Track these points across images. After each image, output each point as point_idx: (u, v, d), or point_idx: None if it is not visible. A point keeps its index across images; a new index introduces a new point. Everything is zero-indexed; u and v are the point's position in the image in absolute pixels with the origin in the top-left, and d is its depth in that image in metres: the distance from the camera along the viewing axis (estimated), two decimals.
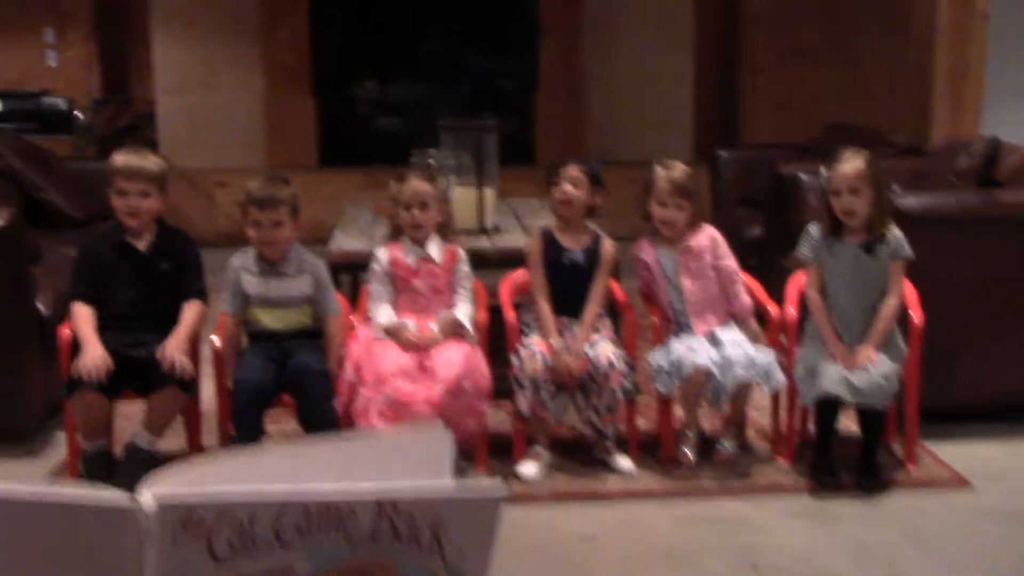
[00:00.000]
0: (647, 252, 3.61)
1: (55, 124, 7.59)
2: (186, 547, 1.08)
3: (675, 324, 3.59)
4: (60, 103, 7.67)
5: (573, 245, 3.61)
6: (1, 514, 1.09)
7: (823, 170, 3.48)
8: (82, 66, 8.32)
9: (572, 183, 3.57)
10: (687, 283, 3.56)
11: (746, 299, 3.60)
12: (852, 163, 3.40)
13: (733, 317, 3.59)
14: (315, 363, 3.33)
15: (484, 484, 1.16)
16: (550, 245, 3.61)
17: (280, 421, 3.65)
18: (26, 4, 8.27)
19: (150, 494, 1.08)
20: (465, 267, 3.58)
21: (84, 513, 1.08)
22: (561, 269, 3.59)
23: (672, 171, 3.54)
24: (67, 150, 7.68)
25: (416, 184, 3.50)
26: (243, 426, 3.28)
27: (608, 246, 3.64)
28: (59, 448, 3.63)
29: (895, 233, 3.44)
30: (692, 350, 3.44)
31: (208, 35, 7.85)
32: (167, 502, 1.07)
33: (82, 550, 1.09)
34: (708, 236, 3.60)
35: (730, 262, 3.61)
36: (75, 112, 7.70)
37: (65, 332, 3.36)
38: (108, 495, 1.08)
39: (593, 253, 3.61)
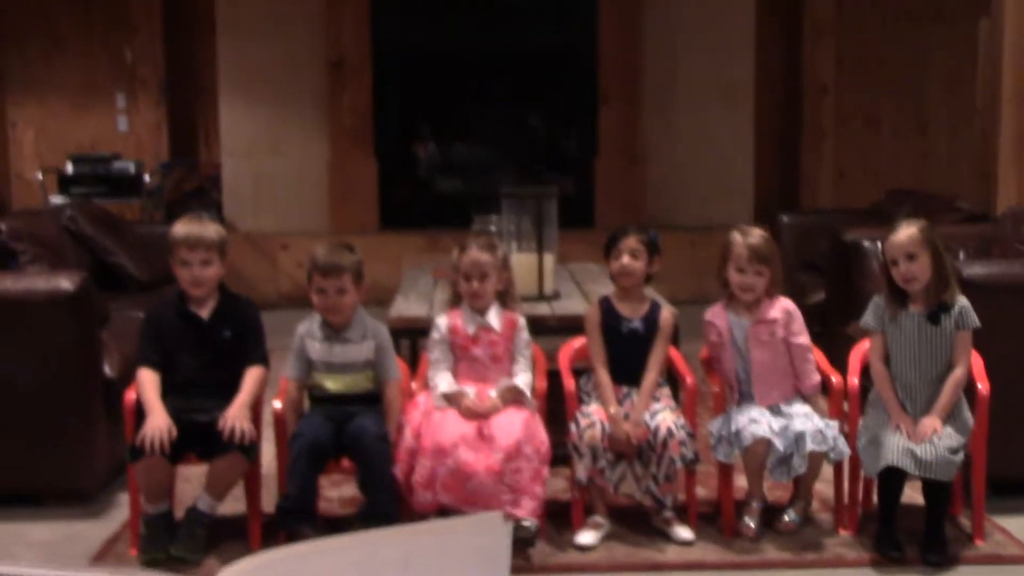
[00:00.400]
0: (720, 317, 3.59)
1: (124, 188, 7.76)
2: None
3: (737, 393, 3.56)
4: (129, 167, 7.84)
5: (632, 314, 3.61)
6: None
7: (878, 243, 3.45)
8: (151, 131, 8.52)
9: (631, 254, 3.58)
10: (757, 354, 3.53)
11: (816, 378, 3.56)
12: (906, 231, 3.37)
13: (801, 394, 3.55)
14: (374, 427, 3.34)
15: None
16: (609, 314, 3.62)
17: (340, 485, 3.66)
18: (99, 71, 8.51)
19: None
20: (525, 334, 3.59)
21: None
22: (620, 337, 3.59)
23: (749, 237, 3.53)
24: (136, 213, 7.86)
25: (476, 254, 3.53)
26: (296, 480, 3.30)
27: (667, 314, 3.63)
28: (122, 510, 3.67)
29: (961, 302, 3.39)
30: (753, 420, 3.41)
31: (273, 100, 8.02)
32: None
33: None
34: (783, 309, 3.57)
35: (804, 339, 3.57)
36: (144, 176, 7.87)
37: (131, 397, 3.41)
38: None
39: (652, 321, 3.60)
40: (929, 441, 3.26)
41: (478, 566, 1.20)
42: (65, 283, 3.75)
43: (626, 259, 3.58)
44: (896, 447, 3.26)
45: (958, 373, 3.37)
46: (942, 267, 3.38)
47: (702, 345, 3.76)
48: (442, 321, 3.58)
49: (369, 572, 1.14)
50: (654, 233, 3.66)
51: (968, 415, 3.41)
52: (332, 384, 3.48)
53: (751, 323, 3.54)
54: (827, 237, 5.27)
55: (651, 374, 3.55)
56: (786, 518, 3.55)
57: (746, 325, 3.54)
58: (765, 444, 3.39)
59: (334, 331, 3.49)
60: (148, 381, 3.39)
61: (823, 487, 3.71)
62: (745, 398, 3.55)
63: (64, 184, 7.69)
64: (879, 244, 4.72)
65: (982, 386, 3.42)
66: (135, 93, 8.49)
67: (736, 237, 3.56)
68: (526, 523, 3.34)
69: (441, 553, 1.22)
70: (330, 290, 3.44)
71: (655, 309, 3.64)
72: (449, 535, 1.26)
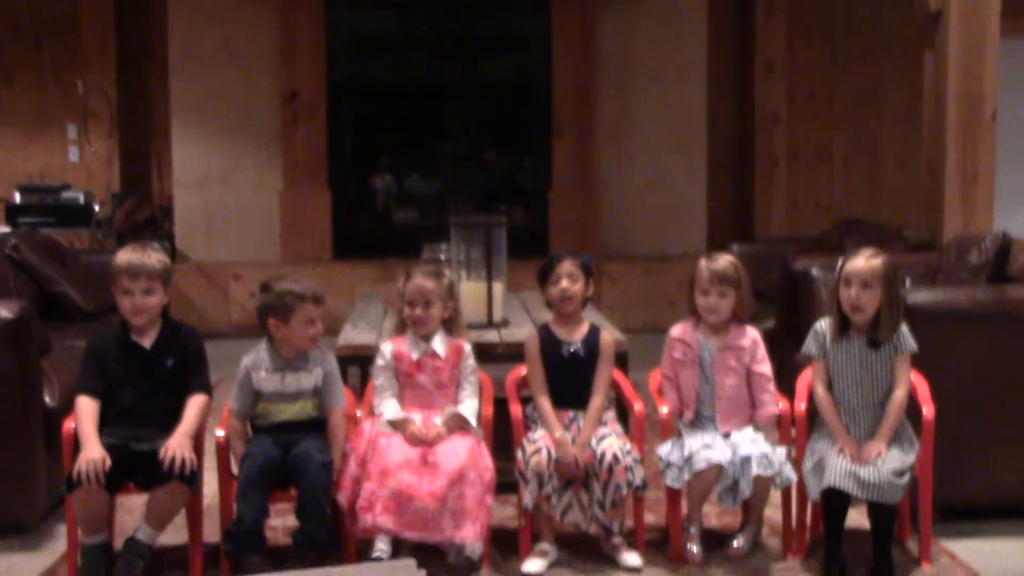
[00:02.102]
0: (689, 334, 3.59)
1: (74, 217, 7.67)
2: None
3: (693, 414, 3.55)
4: (79, 197, 7.76)
5: (571, 337, 3.61)
6: None
7: (840, 260, 3.47)
8: (103, 161, 8.44)
9: (569, 278, 3.59)
10: (722, 380, 3.53)
11: (774, 409, 3.56)
12: (869, 260, 3.38)
13: (757, 422, 3.55)
14: (318, 454, 3.31)
15: None
16: (548, 340, 3.62)
17: (285, 515, 3.62)
18: (51, 101, 8.43)
19: None
20: (470, 361, 3.57)
21: None
22: (562, 362, 3.58)
23: (714, 262, 3.56)
24: (85, 243, 7.77)
25: (420, 282, 3.52)
26: (247, 502, 3.25)
27: (607, 336, 3.64)
28: (60, 541, 3.60)
29: (900, 328, 3.41)
30: (707, 446, 3.41)
31: (225, 132, 8.00)
32: None
33: None
34: (751, 338, 3.59)
35: (766, 367, 3.58)
36: (94, 206, 7.80)
37: (68, 427, 3.35)
38: None
39: (592, 344, 3.60)
40: (873, 464, 3.27)
41: None
42: (5, 311, 3.69)
43: (565, 283, 3.58)
44: (838, 469, 3.27)
45: (898, 396, 3.38)
46: (892, 305, 3.38)
47: (651, 371, 3.76)
48: (387, 348, 3.56)
49: None
50: (588, 257, 3.68)
51: (913, 437, 3.42)
52: (280, 412, 3.45)
53: (719, 348, 3.54)
54: (777, 266, 5.30)
55: (596, 398, 3.55)
56: (735, 544, 3.55)
57: (713, 348, 3.55)
58: (717, 470, 3.39)
59: (286, 361, 3.46)
60: (85, 410, 3.33)
61: (772, 512, 3.71)
62: (701, 421, 3.54)
63: (12, 214, 7.60)
64: (828, 271, 4.78)
65: (927, 410, 3.44)
66: (86, 124, 8.41)
67: (702, 262, 3.59)
68: (468, 549, 3.32)
69: None
70: (317, 318, 3.43)
71: (594, 332, 3.64)
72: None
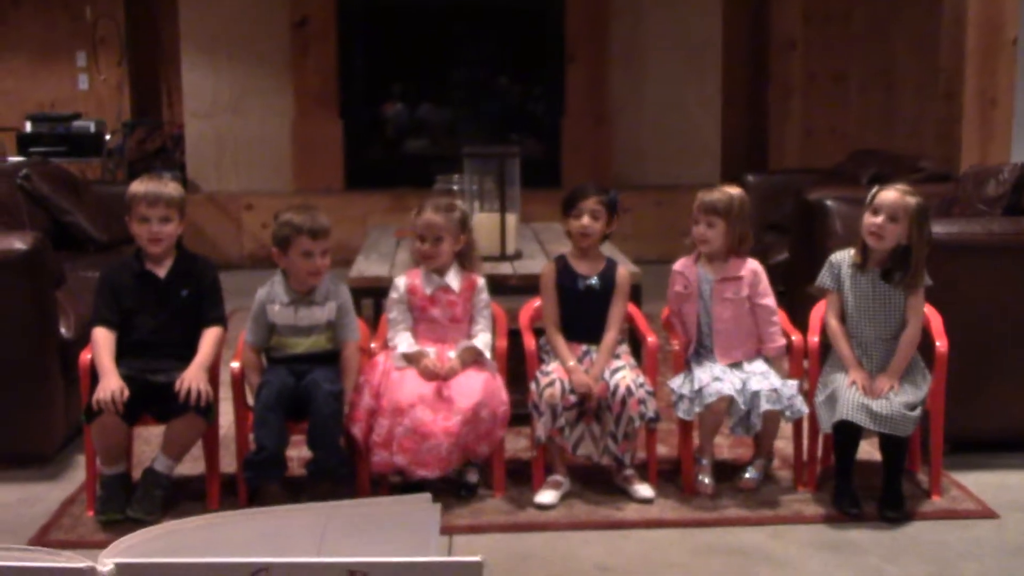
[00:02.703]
0: (689, 269, 3.59)
1: (85, 147, 7.65)
2: None
3: (698, 347, 3.57)
4: (90, 126, 7.73)
5: (588, 271, 3.60)
6: None
7: (875, 188, 3.45)
8: (113, 90, 8.40)
9: (591, 215, 3.56)
10: (720, 310, 3.53)
11: (781, 341, 3.56)
12: (903, 196, 3.35)
13: (765, 355, 3.56)
14: (327, 384, 3.32)
15: (462, 558, 1.08)
16: (565, 272, 3.60)
17: (300, 446, 3.65)
18: (59, 29, 8.37)
19: (110, 560, 1.05)
20: (484, 295, 3.57)
21: None
22: (577, 295, 3.57)
23: (708, 192, 3.54)
24: (96, 173, 7.76)
25: (430, 216, 3.51)
26: (266, 427, 3.27)
27: (623, 271, 3.63)
28: (79, 471, 3.64)
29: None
30: (716, 378, 3.42)
31: (236, 60, 7.93)
32: (125, 568, 1.04)
33: None
34: (750, 269, 3.57)
35: (769, 300, 3.57)
36: (105, 135, 7.77)
37: (85, 358, 3.37)
38: (70, 563, 1.05)
39: (608, 279, 3.59)
40: (885, 397, 3.28)
41: (401, 542, 1.16)
42: (18, 243, 3.70)
43: (586, 220, 3.56)
44: (851, 402, 3.28)
45: (911, 330, 3.38)
46: (919, 250, 3.35)
47: (665, 305, 3.76)
48: (400, 281, 3.56)
49: (282, 544, 1.10)
50: (614, 193, 3.64)
51: (925, 371, 3.43)
52: (294, 345, 3.46)
53: (716, 279, 3.54)
54: (792, 197, 5.27)
55: (610, 332, 3.55)
56: (746, 475, 3.57)
57: (712, 280, 3.55)
58: (727, 402, 3.40)
59: (299, 294, 3.46)
60: (102, 341, 3.35)
61: (783, 444, 3.73)
62: (704, 353, 3.55)
63: (23, 144, 7.58)
64: (842, 204, 4.75)
65: (940, 343, 3.44)
66: (96, 52, 8.36)
67: (699, 193, 3.57)
68: (467, 474, 3.50)
69: (361, 528, 1.18)
70: (317, 252, 3.41)
71: (611, 267, 3.63)
72: (372, 512, 1.22)
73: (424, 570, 1.06)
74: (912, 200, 3.36)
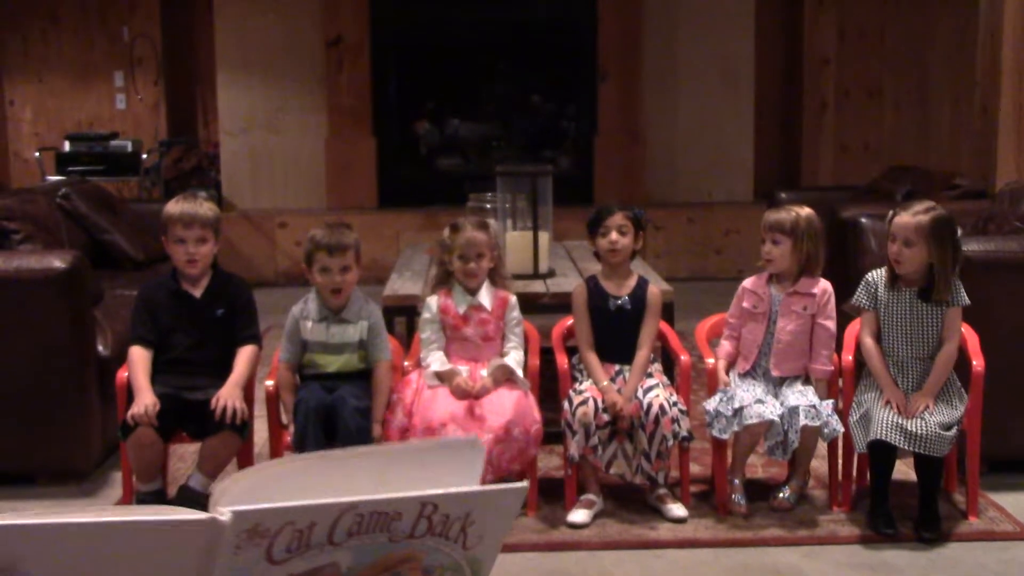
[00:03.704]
0: (761, 287, 3.58)
1: (122, 166, 7.74)
2: (247, 552, 1.15)
3: (748, 365, 3.55)
4: (127, 145, 7.82)
5: (619, 291, 3.60)
6: (93, 535, 1.14)
7: (891, 212, 3.43)
8: (149, 109, 8.50)
9: (619, 230, 3.56)
10: (784, 322, 3.52)
11: (830, 367, 3.54)
12: (915, 217, 3.33)
13: (811, 374, 3.54)
14: (353, 399, 3.33)
15: (509, 484, 1.32)
16: (596, 292, 3.60)
17: None
18: (97, 49, 8.48)
19: (226, 509, 1.14)
20: (516, 313, 3.58)
21: (166, 530, 1.15)
22: (608, 315, 3.57)
23: (775, 211, 3.56)
24: (133, 192, 7.85)
25: (471, 234, 3.52)
26: (307, 442, 3.28)
27: (655, 290, 3.62)
28: (115, 489, 3.67)
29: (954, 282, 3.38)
30: (759, 401, 3.40)
31: (271, 79, 7.99)
32: (241, 514, 1.14)
33: (159, 564, 1.16)
34: (822, 288, 3.56)
35: (831, 323, 3.55)
36: (141, 154, 7.85)
37: (122, 376, 3.41)
38: (193, 515, 1.15)
39: (639, 298, 3.59)
40: (920, 416, 3.26)
41: (449, 479, 1.28)
42: (58, 262, 3.74)
43: (614, 235, 3.56)
44: (885, 422, 3.26)
45: (948, 350, 3.35)
46: (943, 265, 3.31)
47: (698, 322, 3.75)
48: (432, 301, 3.57)
49: (357, 484, 1.22)
50: (640, 210, 3.65)
51: (962, 391, 3.40)
52: (326, 364, 3.48)
53: (785, 293, 3.53)
54: (826, 214, 5.24)
55: (642, 351, 3.54)
56: (781, 495, 3.55)
57: (780, 295, 3.54)
58: (766, 426, 3.39)
59: (332, 311, 3.48)
60: (138, 360, 3.38)
61: (818, 464, 3.71)
62: (755, 371, 3.54)
63: (61, 163, 7.67)
64: (877, 221, 4.72)
65: (977, 362, 3.41)
66: (133, 72, 8.46)
67: (767, 212, 3.59)
68: None
69: (419, 466, 1.30)
70: (335, 268, 3.42)
71: (642, 285, 3.62)
72: (424, 454, 1.34)
73: (481, 496, 1.27)
74: (925, 219, 3.32)
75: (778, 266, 3.53)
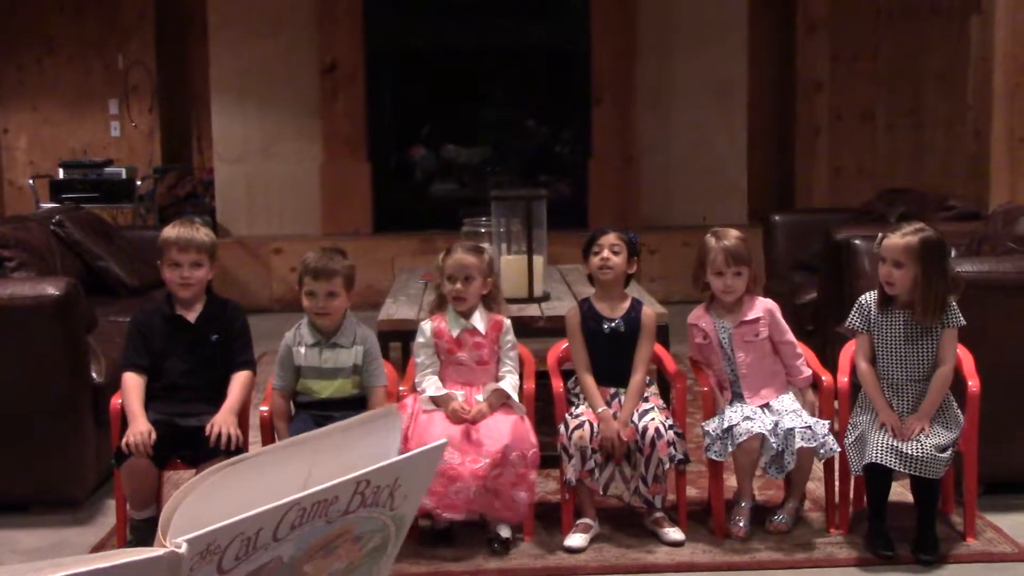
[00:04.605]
0: (705, 320, 3.58)
1: (117, 193, 7.73)
2: (200, 572, 1.17)
3: (728, 394, 3.55)
4: (121, 172, 7.81)
5: (612, 314, 3.59)
6: None
7: (880, 235, 3.44)
8: (144, 136, 8.51)
9: (611, 250, 3.57)
10: (742, 356, 3.52)
11: (807, 371, 3.57)
12: (904, 238, 3.33)
13: (794, 387, 3.55)
14: None
15: (430, 445, 1.40)
16: (589, 315, 3.60)
17: None
18: (92, 76, 8.50)
19: (181, 540, 1.15)
20: (510, 337, 3.57)
21: (127, 573, 1.15)
22: (603, 338, 3.57)
23: (724, 239, 3.53)
24: (128, 219, 7.85)
25: (460, 256, 3.52)
26: None
27: (649, 312, 3.62)
28: (109, 516, 3.65)
29: (947, 303, 3.37)
30: (747, 418, 3.40)
31: (266, 106, 8.01)
32: (196, 540, 1.15)
33: None
34: (765, 309, 3.57)
35: (790, 337, 3.57)
36: (136, 181, 7.86)
37: (116, 403, 3.40)
38: (151, 553, 1.15)
39: (634, 320, 3.58)
40: (916, 439, 3.25)
41: (373, 451, 1.33)
42: (51, 289, 3.74)
43: (607, 253, 3.56)
44: (880, 444, 3.25)
45: (944, 371, 3.35)
46: (929, 287, 3.31)
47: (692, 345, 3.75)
48: (427, 325, 3.57)
49: (279, 482, 1.25)
50: (634, 235, 3.65)
51: (958, 413, 3.39)
52: (320, 389, 3.47)
53: (734, 325, 3.53)
54: (820, 237, 5.25)
55: (637, 374, 3.54)
56: (777, 518, 3.54)
57: (729, 327, 3.53)
58: (759, 440, 3.38)
59: (325, 336, 3.48)
60: (132, 386, 3.37)
61: (814, 486, 3.70)
62: (736, 398, 3.54)
63: (56, 190, 7.67)
64: (872, 243, 4.73)
65: (973, 384, 3.41)
66: (128, 99, 8.47)
67: (711, 241, 3.56)
68: (500, 528, 3.40)
69: (339, 449, 1.33)
70: (320, 293, 3.42)
71: (636, 307, 3.62)
72: (345, 432, 1.37)
73: (408, 462, 1.32)
74: (914, 239, 3.32)
75: (738, 296, 3.53)
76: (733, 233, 3.58)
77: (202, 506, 1.21)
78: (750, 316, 3.54)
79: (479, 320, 3.54)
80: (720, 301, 3.56)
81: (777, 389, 3.54)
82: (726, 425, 3.42)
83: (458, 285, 3.51)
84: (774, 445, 3.38)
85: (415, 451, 1.35)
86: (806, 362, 3.59)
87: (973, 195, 5.53)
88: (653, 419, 3.42)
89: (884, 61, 8.44)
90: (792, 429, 3.37)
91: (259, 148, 8.06)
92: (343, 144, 8.02)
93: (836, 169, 8.49)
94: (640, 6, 8.07)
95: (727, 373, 3.55)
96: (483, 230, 4.58)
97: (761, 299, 3.60)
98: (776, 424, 3.41)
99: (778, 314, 3.58)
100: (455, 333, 3.53)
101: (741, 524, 3.48)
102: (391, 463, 1.30)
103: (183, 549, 1.14)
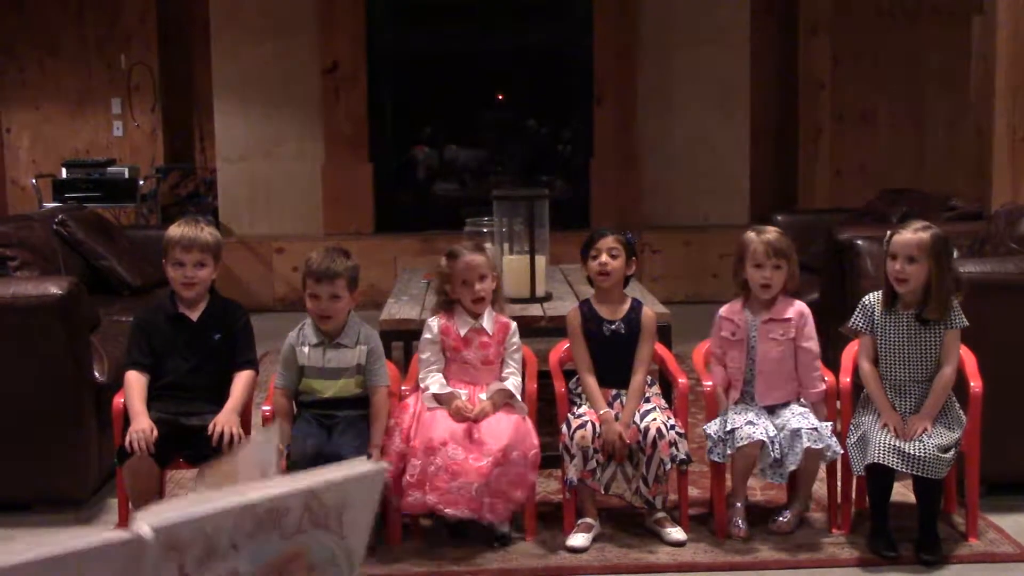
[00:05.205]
0: (738, 315, 3.56)
1: (119, 193, 7.73)
2: (162, 571, 1.15)
3: (739, 393, 3.54)
4: (124, 172, 7.81)
5: (612, 315, 3.59)
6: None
7: (889, 232, 3.44)
8: (147, 136, 8.52)
9: (610, 253, 3.57)
10: (764, 350, 3.51)
11: (822, 386, 3.53)
12: (917, 233, 3.34)
13: (805, 400, 3.53)
14: (353, 452, 3.24)
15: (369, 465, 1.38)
16: (590, 317, 3.60)
17: None
18: (95, 76, 8.50)
19: (146, 525, 1.14)
20: (516, 339, 3.58)
21: (98, 554, 1.13)
22: (603, 339, 3.57)
23: (765, 234, 3.54)
24: (131, 218, 7.85)
25: (470, 259, 3.52)
26: None
27: (649, 313, 3.62)
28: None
29: (951, 303, 3.37)
30: (750, 423, 3.40)
31: (268, 105, 8.01)
32: (159, 526, 1.15)
33: None
34: (797, 311, 3.55)
35: (813, 345, 3.54)
36: (138, 181, 7.86)
37: (119, 402, 3.40)
38: (117, 535, 1.13)
39: (634, 321, 3.58)
40: (918, 439, 3.25)
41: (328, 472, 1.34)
42: (54, 288, 3.74)
43: (605, 257, 3.56)
44: (882, 444, 3.25)
45: (946, 372, 3.35)
46: (942, 283, 3.33)
47: (695, 345, 3.75)
48: (434, 322, 3.57)
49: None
50: (631, 235, 3.65)
51: (960, 413, 3.39)
52: (323, 389, 3.47)
53: (763, 320, 3.52)
54: (822, 237, 5.25)
55: (638, 375, 3.54)
56: (781, 519, 3.53)
57: (758, 322, 3.53)
58: (758, 447, 3.38)
59: (327, 336, 3.48)
60: (134, 385, 3.38)
61: (817, 486, 3.69)
62: (744, 396, 3.53)
63: (58, 190, 7.67)
64: (873, 243, 4.73)
65: (975, 384, 3.41)
66: (130, 98, 8.48)
67: (751, 235, 3.56)
68: (497, 525, 3.41)
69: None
70: (323, 295, 3.42)
71: (636, 308, 3.62)
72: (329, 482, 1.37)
73: (353, 481, 1.33)
74: (926, 235, 3.33)
75: (776, 291, 3.52)
76: (773, 229, 3.59)
77: (173, 508, 1.23)
78: (783, 314, 3.53)
79: (487, 320, 3.55)
80: (756, 298, 3.55)
81: (789, 395, 3.53)
82: (728, 427, 3.42)
83: (476, 286, 3.51)
84: (773, 453, 3.38)
85: (358, 470, 1.35)
86: (822, 376, 3.55)
87: (974, 195, 5.51)
88: (655, 419, 3.42)
89: (886, 61, 8.43)
90: (799, 430, 3.36)
91: (261, 148, 8.06)
92: (345, 144, 8.02)
93: (838, 169, 8.49)
94: (641, 6, 8.07)
95: (743, 371, 3.54)
96: (485, 230, 4.58)
97: (797, 302, 3.58)
98: (782, 428, 3.39)
99: (810, 320, 3.56)
100: (463, 331, 3.53)
101: (740, 524, 3.48)
102: (336, 479, 1.31)
103: (148, 535, 1.13)
